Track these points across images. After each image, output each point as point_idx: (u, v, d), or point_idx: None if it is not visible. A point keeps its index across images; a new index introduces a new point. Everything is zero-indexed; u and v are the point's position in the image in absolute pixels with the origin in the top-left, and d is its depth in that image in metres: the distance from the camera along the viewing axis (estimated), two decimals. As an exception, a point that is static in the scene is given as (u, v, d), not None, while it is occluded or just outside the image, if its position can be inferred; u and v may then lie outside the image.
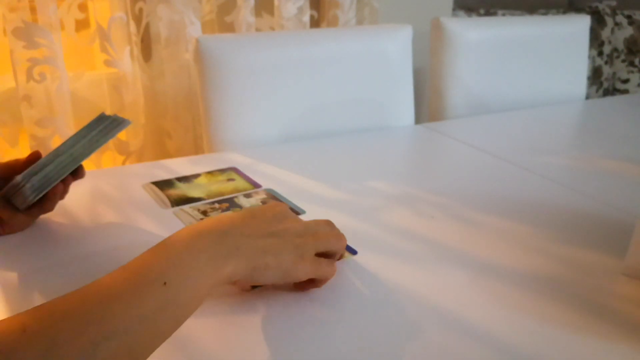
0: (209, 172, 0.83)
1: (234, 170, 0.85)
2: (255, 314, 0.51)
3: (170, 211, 0.71)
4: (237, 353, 0.46)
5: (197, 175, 0.82)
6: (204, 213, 0.71)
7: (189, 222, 0.69)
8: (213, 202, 0.74)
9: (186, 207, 0.72)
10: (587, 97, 2.22)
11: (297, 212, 0.72)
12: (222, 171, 0.84)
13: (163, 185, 0.79)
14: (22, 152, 1.25)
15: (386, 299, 0.53)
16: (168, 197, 0.75)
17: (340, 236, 0.55)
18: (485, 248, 0.63)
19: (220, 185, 0.79)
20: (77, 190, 0.75)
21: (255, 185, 0.79)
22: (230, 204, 0.73)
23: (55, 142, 1.23)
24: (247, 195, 0.76)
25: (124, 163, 1.34)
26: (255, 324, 0.50)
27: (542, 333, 0.49)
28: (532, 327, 0.50)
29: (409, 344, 0.47)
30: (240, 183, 0.80)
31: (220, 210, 0.71)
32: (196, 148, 1.42)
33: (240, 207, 0.72)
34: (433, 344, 0.47)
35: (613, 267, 0.60)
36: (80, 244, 0.62)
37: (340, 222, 0.68)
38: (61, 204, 0.71)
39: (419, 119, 1.81)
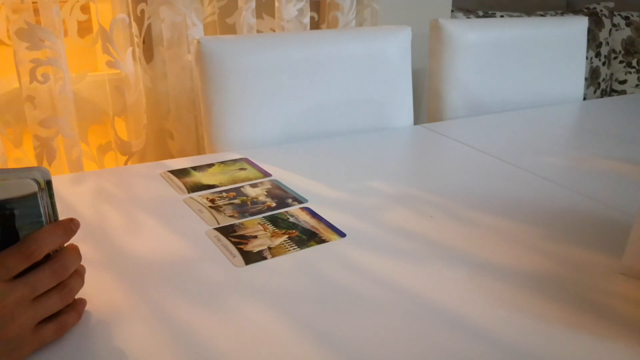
0: (222, 162, 0.89)
1: (245, 160, 0.90)
2: (257, 312, 0.52)
3: (172, 207, 0.72)
4: (239, 349, 0.47)
5: (210, 165, 0.88)
6: (212, 201, 0.75)
7: (197, 209, 0.72)
8: (221, 191, 0.78)
9: (195, 195, 0.77)
10: (585, 97, 2.23)
11: (300, 200, 0.75)
12: (234, 161, 0.90)
13: (179, 173, 0.84)
14: (26, 152, 1.26)
15: (385, 297, 0.54)
16: (184, 184, 0.80)
17: (67, 286, 0.47)
18: (483, 247, 0.64)
19: (233, 174, 0.84)
20: (81, 190, 0.76)
21: (266, 174, 0.85)
22: (236, 192, 0.78)
23: (59, 142, 1.24)
24: (253, 185, 0.80)
25: (126, 163, 1.34)
26: (257, 322, 0.51)
27: (540, 331, 0.50)
28: (530, 325, 0.51)
29: (408, 341, 0.48)
30: (251, 172, 0.85)
31: (227, 199, 0.75)
32: (198, 148, 1.43)
33: (246, 195, 0.77)
34: (432, 342, 0.48)
35: (611, 266, 0.60)
36: (83, 242, 0.63)
37: (341, 221, 0.69)
38: (66, 204, 0.73)
39: (418, 119, 1.82)
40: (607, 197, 0.78)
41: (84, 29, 1.25)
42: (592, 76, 2.25)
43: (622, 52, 2.33)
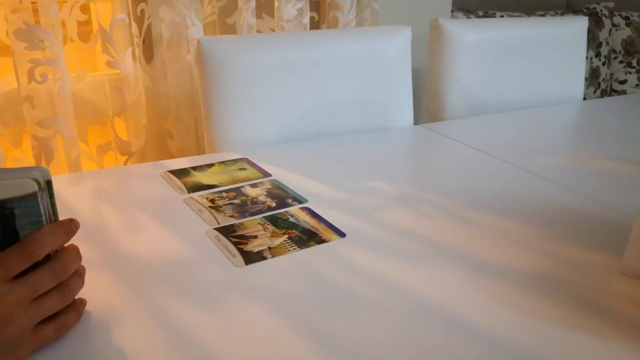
0: (222, 162, 0.89)
1: (245, 160, 0.90)
2: (256, 312, 0.52)
3: (172, 207, 0.72)
4: (239, 348, 0.47)
5: (210, 165, 0.88)
6: (212, 201, 0.75)
7: (197, 209, 0.72)
8: (221, 191, 0.78)
9: (195, 195, 0.77)
10: (585, 97, 2.23)
11: (300, 200, 0.75)
12: (234, 161, 0.90)
13: (179, 173, 0.84)
14: (25, 152, 1.26)
15: (385, 297, 0.54)
16: (184, 184, 0.80)
17: (67, 287, 0.47)
18: (483, 247, 0.64)
19: (233, 174, 0.84)
20: (80, 190, 0.76)
21: (266, 174, 0.85)
22: (236, 192, 0.78)
23: (57, 143, 1.24)
24: (253, 186, 0.80)
25: (125, 163, 1.34)
26: (257, 322, 0.50)
27: (540, 331, 0.50)
28: (531, 325, 0.51)
29: (407, 341, 0.48)
30: (251, 172, 0.85)
31: (227, 199, 0.75)
32: (198, 148, 1.43)
33: (246, 195, 0.77)
34: (432, 342, 0.48)
35: (611, 266, 0.61)
36: (82, 242, 0.63)
37: (340, 221, 0.69)
38: (65, 205, 0.72)
39: (418, 119, 1.82)
40: (607, 197, 0.78)
41: (84, 29, 1.25)
42: (592, 76, 2.25)
43: (622, 52, 2.33)
